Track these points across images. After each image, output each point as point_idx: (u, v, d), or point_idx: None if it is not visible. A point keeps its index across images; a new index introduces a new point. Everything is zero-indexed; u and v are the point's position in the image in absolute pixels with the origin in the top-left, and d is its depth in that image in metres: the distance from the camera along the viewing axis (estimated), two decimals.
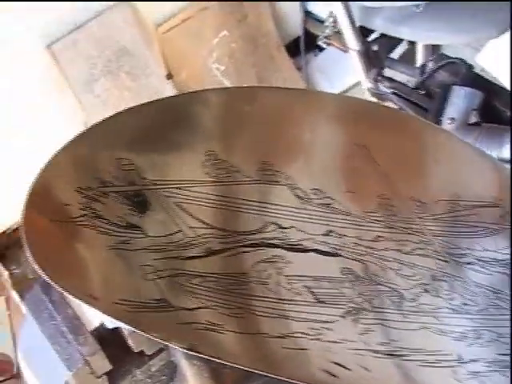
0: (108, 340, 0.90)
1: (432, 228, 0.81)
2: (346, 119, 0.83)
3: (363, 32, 1.58)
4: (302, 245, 0.74)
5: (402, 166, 0.83)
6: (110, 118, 0.72)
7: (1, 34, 1.78)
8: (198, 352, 0.59)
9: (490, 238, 0.83)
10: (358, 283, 0.73)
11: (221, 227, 0.71)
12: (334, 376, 0.63)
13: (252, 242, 0.72)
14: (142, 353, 0.89)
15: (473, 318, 0.77)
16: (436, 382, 0.70)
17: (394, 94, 1.45)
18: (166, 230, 0.69)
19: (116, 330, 0.88)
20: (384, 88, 1.51)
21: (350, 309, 0.71)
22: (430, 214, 0.82)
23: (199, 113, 0.76)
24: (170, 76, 2.07)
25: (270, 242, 0.73)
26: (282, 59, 2.32)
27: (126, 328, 0.82)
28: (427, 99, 1.34)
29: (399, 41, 1.72)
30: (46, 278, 0.58)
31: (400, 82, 1.47)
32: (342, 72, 2.26)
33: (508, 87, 1.35)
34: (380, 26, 1.55)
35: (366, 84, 1.61)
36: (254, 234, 0.73)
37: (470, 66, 1.32)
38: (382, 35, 1.62)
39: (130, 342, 0.88)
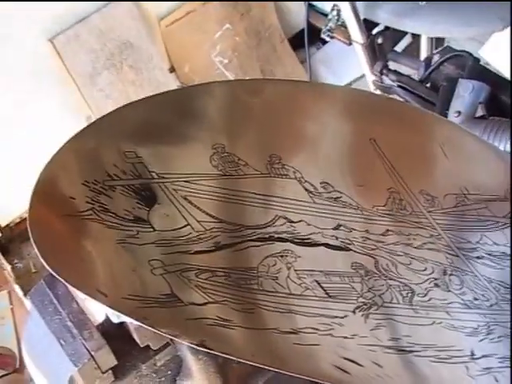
0: (113, 335, 0.89)
1: (441, 222, 0.81)
2: (353, 112, 0.83)
3: (367, 25, 1.58)
4: (311, 239, 0.73)
5: (409, 160, 0.83)
6: (116, 110, 0.71)
7: (3, 27, 1.77)
8: (208, 348, 0.58)
9: (500, 232, 0.82)
10: (368, 278, 0.73)
11: (229, 221, 0.71)
12: (346, 372, 0.63)
13: (261, 236, 0.71)
14: (147, 347, 0.88)
15: (484, 313, 0.76)
16: (449, 378, 0.69)
17: (400, 87, 1.44)
18: (174, 224, 0.68)
19: (121, 324, 0.87)
20: (389, 81, 1.50)
21: (361, 304, 0.70)
22: (439, 207, 0.81)
23: (206, 105, 0.75)
24: (172, 69, 2.06)
25: (279, 236, 0.72)
26: (285, 52, 2.31)
27: (131, 323, 0.82)
28: (433, 92, 1.33)
29: (403, 34, 1.71)
30: (52, 272, 0.58)
31: (405, 75, 1.46)
32: (345, 65, 2.25)
33: None
34: (384, 19, 1.54)
35: (371, 77, 1.60)
36: (263, 228, 0.72)
37: (476, 59, 1.31)
38: (387, 28, 1.61)
39: (136, 337, 0.88)
